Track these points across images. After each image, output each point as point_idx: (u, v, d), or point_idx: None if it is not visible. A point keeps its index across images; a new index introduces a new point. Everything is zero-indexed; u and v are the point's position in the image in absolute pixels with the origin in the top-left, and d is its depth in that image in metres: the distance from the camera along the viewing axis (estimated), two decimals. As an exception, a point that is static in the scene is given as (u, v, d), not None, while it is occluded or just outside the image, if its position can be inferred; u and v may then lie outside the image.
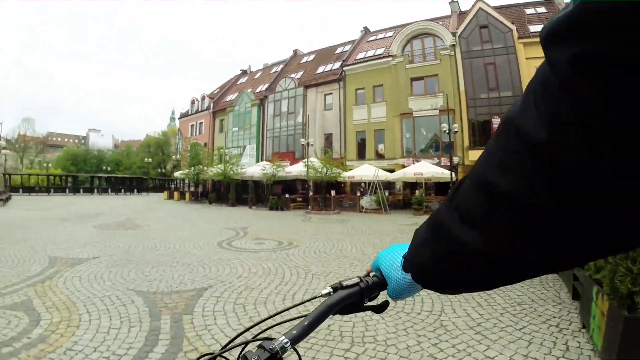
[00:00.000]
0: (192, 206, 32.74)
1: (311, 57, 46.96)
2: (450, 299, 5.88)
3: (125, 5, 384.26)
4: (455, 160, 27.09)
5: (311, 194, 29.47)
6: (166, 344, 4.32)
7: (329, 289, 0.86)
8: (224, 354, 0.80)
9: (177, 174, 47.28)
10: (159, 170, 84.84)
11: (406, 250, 0.82)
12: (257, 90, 47.50)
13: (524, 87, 0.46)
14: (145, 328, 4.75)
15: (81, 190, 59.14)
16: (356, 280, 0.88)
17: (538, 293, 6.33)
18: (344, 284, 0.87)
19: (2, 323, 4.84)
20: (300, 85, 40.75)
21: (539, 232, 0.46)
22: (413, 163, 29.58)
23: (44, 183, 60.00)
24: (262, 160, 39.94)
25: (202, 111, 55.78)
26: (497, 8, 31.37)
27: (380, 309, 0.90)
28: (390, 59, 34.56)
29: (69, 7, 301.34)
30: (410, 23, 35.11)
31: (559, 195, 0.42)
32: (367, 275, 0.92)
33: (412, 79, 33.25)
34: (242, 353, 0.75)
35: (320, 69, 41.63)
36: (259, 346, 0.73)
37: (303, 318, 0.80)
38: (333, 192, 28.47)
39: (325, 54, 44.82)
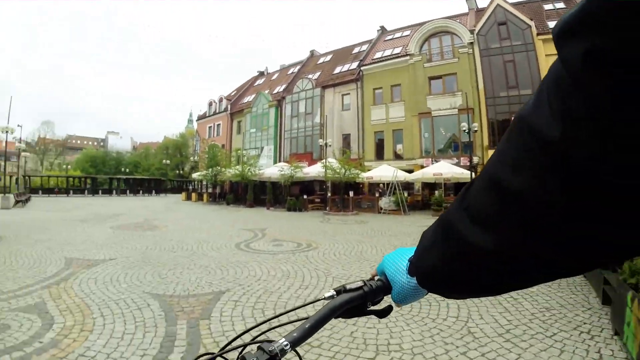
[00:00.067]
0: (209, 207, 32.72)
1: (328, 58, 46.83)
2: (476, 304, 5.68)
3: (125, 5, 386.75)
4: (475, 160, 26.62)
5: (329, 194, 29.28)
6: (182, 351, 4.15)
7: (332, 292, 0.85)
8: (223, 355, 0.78)
9: (195, 175, 47.46)
10: (177, 171, 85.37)
11: (412, 254, 0.81)
12: (275, 92, 47.46)
13: (544, 85, 0.45)
14: (161, 333, 4.59)
15: (100, 191, 59.64)
16: (360, 283, 0.87)
17: (566, 297, 6.10)
18: (348, 287, 0.86)
19: (14, 326, 4.73)
20: (318, 85, 40.58)
21: (551, 229, 0.46)
22: (432, 163, 29.17)
23: (63, 184, 60.86)
24: (279, 161, 39.98)
25: (219, 113, 55.92)
26: (515, 4, 30.78)
27: (383, 313, 0.89)
28: (408, 58, 34.21)
29: (69, 7, 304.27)
30: (428, 21, 34.67)
31: (569, 191, 0.41)
32: (372, 279, 0.91)
33: (430, 78, 32.87)
34: (241, 354, 0.74)
35: (338, 69, 41.44)
36: (259, 347, 0.73)
37: (304, 320, 0.79)
38: (351, 193, 28.22)
39: (342, 54, 44.62)
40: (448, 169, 25.53)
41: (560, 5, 30.48)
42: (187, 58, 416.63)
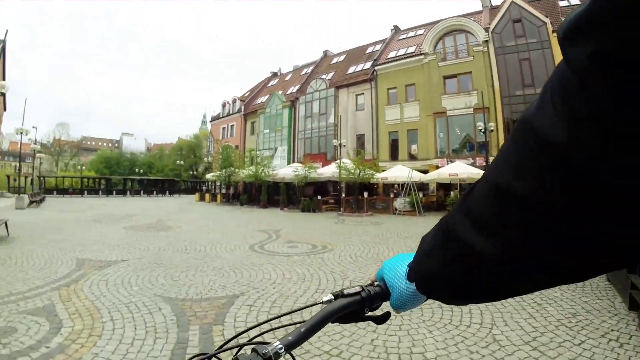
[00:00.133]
0: (223, 208, 32.62)
1: (342, 58, 46.74)
2: (499, 310, 5.46)
3: (125, 5, 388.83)
4: (491, 160, 26.22)
5: (343, 195, 29.07)
6: (193, 360, 3.93)
7: (330, 296, 0.85)
8: (218, 355, 0.79)
9: (208, 176, 47.46)
10: (191, 172, 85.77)
11: (411, 260, 0.80)
12: (288, 92, 47.51)
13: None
14: (172, 340, 4.41)
15: (114, 192, 60.00)
16: (358, 289, 0.87)
17: (591, 303, 5.87)
18: (345, 292, 0.86)
19: (21, 329, 4.60)
20: (332, 86, 40.46)
21: (551, 229, 0.46)
22: (447, 163, 28.79)
23: (77, 185, 61.46)
24: (293, 161, 39.98)
25: (233, 114, 56.16)
26: (529, 1, 30.24)
27: (381, 319, 0.88)
28: (422, 57, 33.93)
29: (69, 7, 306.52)
30: (442, 20, 34.31)
31: (570, 192, 0.41)
32: (371, 284, 0.90)
33: (445, 77, 32.51)
34: (235, 356, 0.76)
35: (351, 69, 41.28)
36: (253, 350, 0.73)
37: (300, 324, 0.79)
38: (366, 194, 27.94)
39: (356, 54, 44.49)
40: (464, 169, 25.14)
41: (576, 1, 29.97)
42: (187, 58, 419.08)
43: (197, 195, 48.60)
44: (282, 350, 0.72)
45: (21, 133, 30.27)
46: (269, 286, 6.90)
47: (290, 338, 0.75)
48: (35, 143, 44.70)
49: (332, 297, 0.85)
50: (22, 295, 5.98)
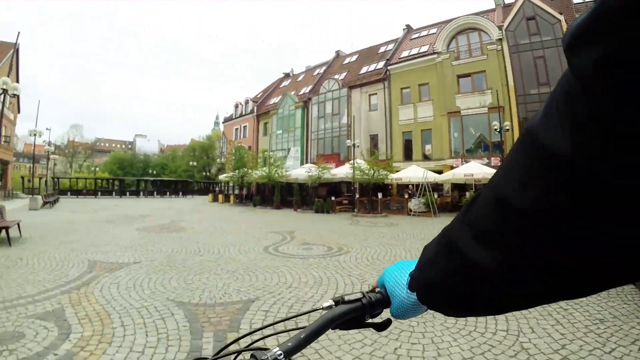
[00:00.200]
0: (236, 209, 32.55)
1: (354, 58, 46.60)
2: (525, 316, 5.22)
3: (125, 5, 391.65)
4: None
5: (357, 196, 28.83)
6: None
7: (330, 302, 0.85)
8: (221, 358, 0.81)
9: (221, 177, 47.57)
10: (204, 173, 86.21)
11: (413, 268, 0.80)
12: (301, 93, 47.37)
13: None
14: (185, 348, 4.21)
15: (127, 193, 60.59)
16: (359, 295, 0.86)
17: (618, 308, 5.63)
18: (346, 298, 0.86)
19: (29, 335, 4.44)
20: (344, 86, 40.18)
21: (551, 229, 0.45)
22: (462, 164, 28.55)
23: (91, 186, 61.92)
24: (306, 162, 39.91)
25: (246, 115, 56.17)
26: (543, -2, 29.85)
27: (381, 327, 0.88)
28: (435, 56, 33.62)
29: (69, 7, 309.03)
30: (454, 18, 33.98)
31: (571, 193, 0.41)
32: (372, 291, 0.90)
33: (459, 76, 32.16)
34: None
35: (364, 69, 41.09)
36: (252, 356, 0.73)
37: (300, 330, 0.78)
38: (380, 195, 27.67)
39: (368, 54, 44.32)
40: (479, 170, 24.78)
41: (589, -3, 29.56)
42: (187, 58, 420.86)
43: (210, 196, 48.75)
44: (281, 356, 0.70)
45: (34, 135, 30.62)
46: (285, 290, 6.69)
47: (289, 344, 0.73)
48: (49, 145, 45.09)
49: (333, 303, 0.85)
50: (31, 298, 5.84)
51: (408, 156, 34.35)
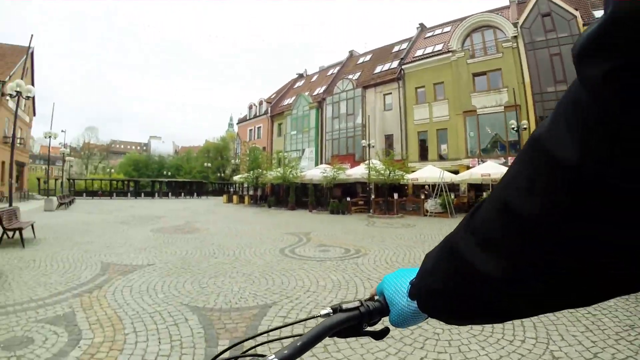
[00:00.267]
0: (251, 210, 32.42)
1: (368, 57, 46.32)
2: (553, 322, 5.00)
3: (125, 5, 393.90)
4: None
5: (373, 197, 28.57)
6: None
7: (328, 310, 0.84)
8: None
9: (236, 177, 47.50)
10: (218, 174, 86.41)
11: (414, 276, 0.80)
12: (315, 93, 47.30)
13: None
14: (199, 356, 4.01)
15: (142, 194, 60.87)
16: (357, 303, 0.86)
17: (647, 312, 5.36)
18: (344, 306, 0.85)
19: (38, 340, 4.29)
20: (359, 86, 40.00)
21: (551, 230, 0.45)
22: (478, 163, 28.16)
23: (106, 187, 62.30)
24: (321, 163, 39.80)
25: (260, 116, 56.25)
26: (558, -6, 29.28)
27: (379, 335, 0.87)
28: (450, 54, 33.27)
29: (69, 7, 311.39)
30: (468, 16, 33.60)
31: (574, 195, 0.41)
32: (371, 299, 0.90)
33: (474, 75, 31.76)
34: None
35: (378, 69, 40.82)
36: None
37: (297, 337, 0.77)
38: (396, 195, 27.36)
39: (382, 53, 44.04)
40: (496, 170, 24.33)
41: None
42: (187, 58, 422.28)
43: (224, 197, 48.76)
44: None
45: (49, 137, 30.84)
46: (303, 294, 6.46)
47: (285, 352, 0.72)
48: (65, 147, 45.51)
49: (331, 311, 0.83)
50: (42, 301, 5.71)
51: (423, 156, 34.05)
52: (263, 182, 39.75)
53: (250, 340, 0.88)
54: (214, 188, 77.39)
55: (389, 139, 36.81)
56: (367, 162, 27.96)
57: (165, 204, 40.37)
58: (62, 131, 44.00)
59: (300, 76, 59.96)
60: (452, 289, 0.65)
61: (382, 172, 26.88)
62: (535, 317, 4.80)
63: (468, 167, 28.83)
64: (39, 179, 58.40)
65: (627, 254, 0.41)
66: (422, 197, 27.44)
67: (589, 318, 5.17)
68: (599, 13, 26.60)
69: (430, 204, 25.61)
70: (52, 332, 4.51)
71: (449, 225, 18.64)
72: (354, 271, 8.27)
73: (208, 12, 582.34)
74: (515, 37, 29.67)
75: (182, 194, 64.34)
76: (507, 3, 34.82)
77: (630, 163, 0.36)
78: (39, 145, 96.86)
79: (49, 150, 32.67)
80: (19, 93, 17.00)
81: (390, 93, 37.63)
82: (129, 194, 59.33)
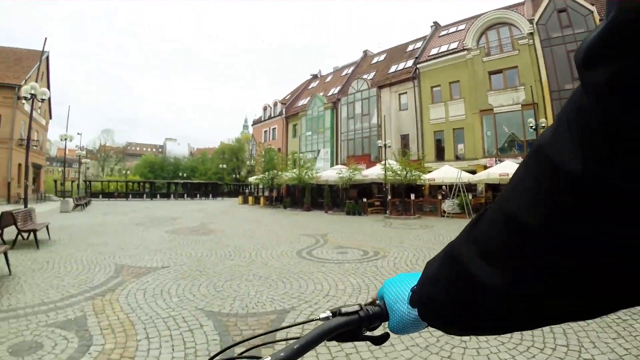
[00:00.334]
0: (266, 211, 32.30)
1: (382, 57, 46.04)
2: (584, 328, 4.78)
3: (125, 5, 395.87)
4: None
5: (389, 197, 28.30)
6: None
7: (328, 313, 0.84)
8: None
9: (251, 179, 47.48)
10: (234, 175, 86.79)
11: (415, 282, 0.78)
12: (330, 94, 47.14)
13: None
14: (215, 366, 3.76)
15: (158, 195, 61.01)
16: (356, 308, 0.85)
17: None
18: (343, 310, 0.84)
19: (47, 345, 4.14)
20: (373, 86, 39.74)
21: (552, 229, 0.44)
22: (496, 163, 27.75)
23: (122, 189, 62.65)
24: (337, 163, 39.62)
25: (274, 117, 56.41)
26: (573, -11, 28.67)
27: (379, 340, 0.86)
28: (465, 52, 32.87)
29: (69, 7, 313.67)
30: (483, 14, 33.21)
31: (577, 196, 0.41)
32: (372, 303, 0.89)
33: (490, 73, 31.29)
34: None
35: (393, 68, 40.50)
36: None
37: (294, 340, 0.77)
38: (412, 196, 27.05)
39: (397, 53, 43.73)
40: (514, 169, 23.86)
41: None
42: (187, 58, 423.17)
43: (240, 198, 48.86)
44: None
45: (65, 139, 31.10)
46: (322, 299, 6.24)
47: (282, 354, 0.72)
48: (81, 149, 45.98)
49: (330, 315, 0.83)
50: (54, 304, 5.57)
51: (440, 156, 33.67)
52: (278, 183, 39.76)
53: (254, 340, 0.88)
54: (229, 189, 77.55)
55: (404, 139, 36.50)
56: (383, 162, 27.74)
57: (181, 205, 40.39)
58: (78, 134, 44.33)
59: (315, 77, 59.98)
60: (453, 299, 0.63)
61: (399, 172, 26.66)
62: (565, 323, 4.57)
63: (485, 167, 28.44)
64: (55, 181, 58.90)
65: (627, 253, 0.41)
66: (440, 197, 27.16)
67: (620, 324, 4.96)
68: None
69: (448, 205, 25.36)
70: (62, 337, 4.35)
71: (468, 226, 18.39)
72: (374, 274, 8.04)
73: (208, 12, 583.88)
74: (531, 33, 29.16)
75: (198, 195, 64.56)
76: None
77: (630, 163, 0.36)
78: (56, 147, 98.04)
79: (64, 153, 32.98)
80: (33, 96, 17.13)
81: (406, 92, 37.29)
82: (144, 196, 59.59)
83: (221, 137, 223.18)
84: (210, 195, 65.93)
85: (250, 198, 45.95)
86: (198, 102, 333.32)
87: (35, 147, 40.07)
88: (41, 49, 25.06)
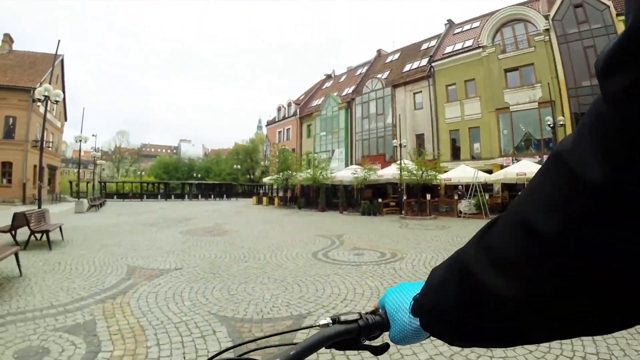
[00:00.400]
0: (281, 211, 32.13)
1: (396, 56, 45.78)
2: (613, 335, 4.47)
3: (125, 5, 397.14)
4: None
5: (405, 197, 28.01)
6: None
7: (328, 320, 0.83)
8: None
9: (265, 179, 47.49)
10: (248, 176, 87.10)
11: (418, 292, 0.77)
12: (344, 94, 47.09)
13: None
14: (228, 376, 3.55)
15: (173, 196, 61.44)
16: (356, 316, 0.84)
17: None
18: (342, 318, 0.83)
19: (54, 351, 3.98)
20: (388, 85, 39.54)
21: (565, 234, 0.44)
22: (512, 162, 27.39)
23: (137, 190, 63.28)
24: (351, 163, 39.48)
25: (288, 117, 56.51)
26: (589, -16, 28.12)
27: (378, 350, 0.85)
28: (480, 50, 32.51)
29: (69, 7, 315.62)
30: (497, 10, 32.74)
31: (594, 205, 0.40)
32: (373, 312, 0.88)
33: (506, 70, 30.92)
34: None
35: (407, 67, 40.26)
36: None
37: (290, 346, 0.77)
38: (428, 196, 26.72)
39: (411, 51, 43.44)
40: (531, 169, 23.43)
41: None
42: (187, 58, 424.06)
43: (254, 199, 48.90)
44: None
45: (80, 141, 31.40)
46: (340, 303, 5.99)
47: (277, 359, 0.72)
48: (96, 150, 46.46)
49: (330, 322, 0.82)
50: (63, 308, 5.42)
51: (456, 155, 33.37)
52: (293, 184, 39.74)
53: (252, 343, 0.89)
54: (244, 190, 77.82)
55: (419, 138, 36.26)
56: (398, 162, 27.48)
57: (195, 205, 40.43)
58: (92, 135, 44.69)
59: (328, 77, 60.04)
60: (459, 310, 0.62)
61: (415, 172, 26.39)
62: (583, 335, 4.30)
63: (502, 167, 28.11)
64: (71, 182, 59.51)
65: (638, 260, 0.40)
66: (456, 197, 26.80)
67: (647, 329, 4.67)
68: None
69: (464, 205, 25.03)
70: (69, 343, 4.19)
71: (485, 226, 18.08)
72: (392, 277, 7.80)
73: (208, 12, 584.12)
74: (547, 30, 28.72)
75: (212, 195, 64.84)
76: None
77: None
78: (71, 149, 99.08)
79: (79, 154, 33.28)
80: (47, 97, 17.35)
81: (420, 91, 37.01)
82: (159, 196, 60.04)
83: (235, 138, 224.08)
84: (225, 195, 66.16)
85: (264, 198, 45.92)
86: (210, 103, 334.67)
87: (50, 149, 40.47)
88: (54, 52, 25.12)
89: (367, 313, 0.86)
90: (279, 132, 58.54)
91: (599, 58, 0.37)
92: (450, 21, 41.92)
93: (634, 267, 0.40)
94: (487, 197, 25.95)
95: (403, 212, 26.67)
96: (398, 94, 38.59)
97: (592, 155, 0.39)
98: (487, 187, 28.10)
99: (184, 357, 3.89)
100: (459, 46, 35.69)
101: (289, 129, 56.02)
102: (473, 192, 24.92)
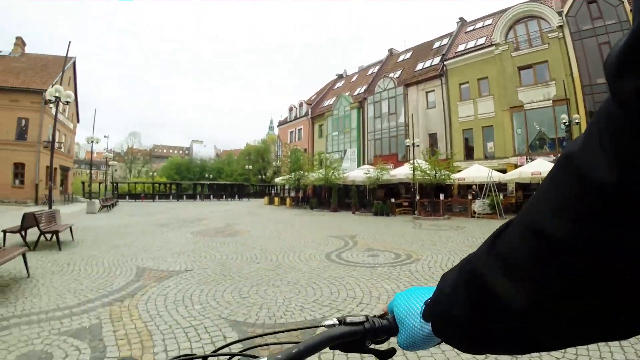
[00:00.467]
0: (293, 211, 32.02)
1: (408, 55, 45.43)
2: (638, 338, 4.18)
3: (125, 5, 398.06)
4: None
5: (418, 197, 27.74)
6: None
7: (334, 321, 0.82)
8: (208, 358, 0.85)
9: (277, 179, 47.48)
10: (260, 176, 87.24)
11: (429, 297, 0.75)
12: (356, 93, 46.90)
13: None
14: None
15: (184, 196, 61.72)
16: (362, 319, 0.82)
17: None
18: (348, 319, 0.81)
19: (57, 356, 3.84)
20: (400, 84, 39.21)
21: (573, 235, 0.44)
22: (527, 162, 26.99)
23: (149, 190, 63.60)
24: (363, 163, 39.26)
25: (300, 117, 56.43)
26: (603, -21, 27.58)
27: (385, 355, 0.83)
28: (493, 48, 32.12)
29: (69, 7, 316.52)
30: (510, 7, 32.26)
31: (602, 205, 0.40)
32: (381, 316, 0.86)
33: (520, 68, 30.44)
34: None
35: (419, 66, 39.91)
36: None
37: (294, 344, 0.75)
38: (442, 196, 26.43)
39: (423, 50, 43.15)
40: (546, 168, 23.02)
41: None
42: (187, 58, 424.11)
43: (266, 199, 49.06)
44: None
45: (92, 142, 31.62)
46: (355, 307, 5.76)
47: (279, 356, 0.70)
48: (108, 151, 46.82)
49: (336, 322, 0.81)
50: (69, 310, 5.28)
51: (469, 155, 33.04)
52: (305, 184, 39.64)
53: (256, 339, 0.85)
54: (255, 190, 77.99)
55: (432, 137, 35.97)
56: (411, 162, 27.24)
57: (207, 206, 40.49)
58: (105, 136, 44.98)
59: (340, 77, 59.88)
60: (470, 316, 0.61)
61: (428, 172, 26.16)
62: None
63: (516, 166, 27.76)
64: (83, 183, 59.92)
65: None
66: (470, 197, 26.44)
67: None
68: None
69: (478, 205, 24.72)
70: (74, 348, 4.03)
71: (500, 226, 17.81)
72: (408, 279, 7.58)
73: (208, 12, 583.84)
74: (561, 26, 28.27)
75: (224, 196, 65.01)
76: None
77: None
78: (84, 151, 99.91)
79: (91, 155, 33.40)
80: (57, 98, 17.41)
81: (433, 90, 36.71)
82: (171, 197, 60.51)
83: (247, 138, 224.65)
84: (236, 196, 66.44)
85: (276, 199, 45.96)
86: (222, 104, 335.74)
87: (61, 150, 40.72)
88: (65, 55, 25.32)
89: (375, 316, 0.84)
90: (291, 132, 58.47)
91: (607, 58, 0.37)
92: (462, 19, 41.55)
93: (639, 267, 0.39)
94: (501, 196, 25.62)
95: (416, 212, 26.45)
96: (410, 93, 38.28)
97: (600, 154, 0.39)
98: (501, 186, 27.70)
99: (192, 365, 3.69)
100: (471, 44, 35.34)
101: (301, 129, 55.92)
102: (487, 191, 24.59)
